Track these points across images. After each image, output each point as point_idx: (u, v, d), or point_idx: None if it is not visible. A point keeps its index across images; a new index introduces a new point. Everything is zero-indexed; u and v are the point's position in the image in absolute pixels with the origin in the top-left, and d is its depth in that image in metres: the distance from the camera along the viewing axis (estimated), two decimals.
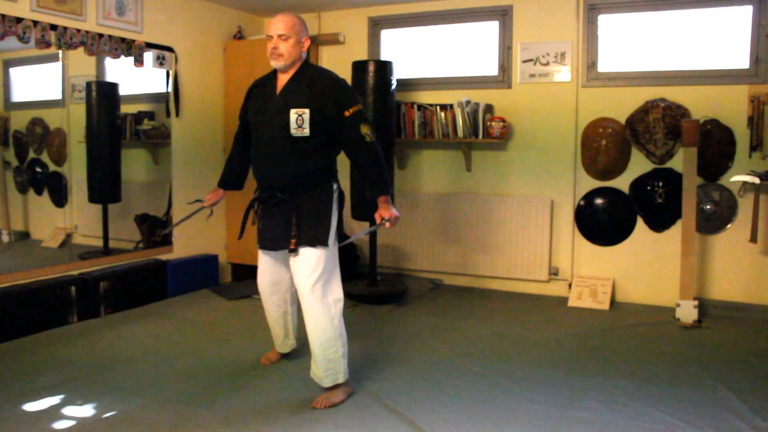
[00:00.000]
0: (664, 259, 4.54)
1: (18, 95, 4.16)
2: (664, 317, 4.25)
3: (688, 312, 4.12)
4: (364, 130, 2.80)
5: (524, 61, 4.85)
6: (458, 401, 2.89)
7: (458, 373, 3.24)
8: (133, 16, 4.48)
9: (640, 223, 4.65)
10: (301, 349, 3.31)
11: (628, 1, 4.57)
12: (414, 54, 5.32)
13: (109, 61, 4.41)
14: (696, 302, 4.13)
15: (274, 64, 2.85)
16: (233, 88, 5.21)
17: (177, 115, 4.90)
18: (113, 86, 4.56)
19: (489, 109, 4.90)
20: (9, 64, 4.06)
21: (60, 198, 4.27)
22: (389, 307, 4.53)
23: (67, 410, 2.78)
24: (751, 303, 4.34)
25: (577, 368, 3.32)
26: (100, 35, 4.23)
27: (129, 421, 2.68)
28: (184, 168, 4.97)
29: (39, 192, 4.28)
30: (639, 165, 4.60)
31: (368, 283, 4.70)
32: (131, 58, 4.47)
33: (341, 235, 2.99)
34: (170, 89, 4.84)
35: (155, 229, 4.77)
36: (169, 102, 4.85)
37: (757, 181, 4.02)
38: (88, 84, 4.36)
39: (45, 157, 4.24)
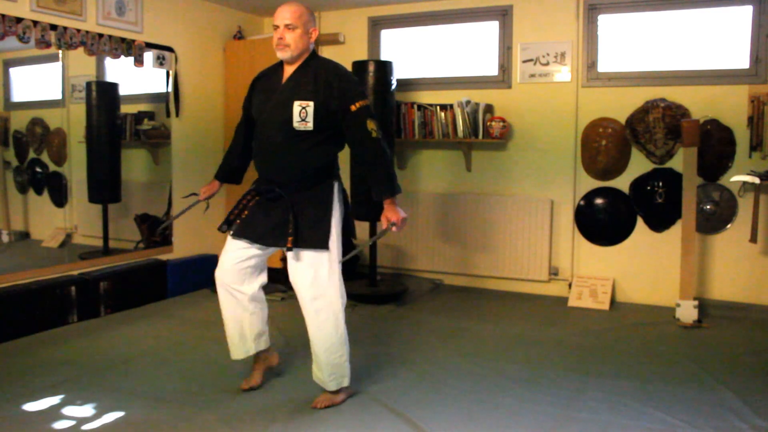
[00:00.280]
0: (664, 259, 4.54)
1: (18, 95, 4.16)
2: (664, 317, 4.25)
3: (688, 312, 4.12)
4: (371, 126, 2.65)
5: (524, 61, 4.85)
6: (458, 401, 2.89)
7: (458, 373, 3.23)
8: (133, 16, 4.49)
9: (640, 223, 4.64)
10: (301, 349, 3.30)
11: (628, 1, 4.57)
12: (414, 54, 5.32)
13: (109, 61, 4.41)
14: (696, 302, 4.13)
15: (281, 54, 2.71)
16: (233, 88, 5.21)
17: (177, 115, 4.90)
18: (113, 86, 4.56)
19: (489, 109, 4.90)
20: (9, 64, 4.06)
21: (60, 198, 4.27)
22: (389, 307, 4.53)
23: (67, 410, 2.78)
24: (751, 303, 4.33)
25: (577, 368, 3.32)
26: (100, 35, 4.23)
27: (129, 421, 2.68)
28: (184, 168, 4.97)
29: (39, 192, 4.28)
30: (639, 165, 4.60)
31: (368, 283, 4.70)
32: (131, 58, 4.47)
33: (350, 245, 2.87)
34: (170, 89, 4.85)
35: (155, 229, 4.77)
36: (169, 102, 4.86)
37: (757, 181, 4.02)
38: (88, 84, 4.36)
39: (45, 157, 4.24)
